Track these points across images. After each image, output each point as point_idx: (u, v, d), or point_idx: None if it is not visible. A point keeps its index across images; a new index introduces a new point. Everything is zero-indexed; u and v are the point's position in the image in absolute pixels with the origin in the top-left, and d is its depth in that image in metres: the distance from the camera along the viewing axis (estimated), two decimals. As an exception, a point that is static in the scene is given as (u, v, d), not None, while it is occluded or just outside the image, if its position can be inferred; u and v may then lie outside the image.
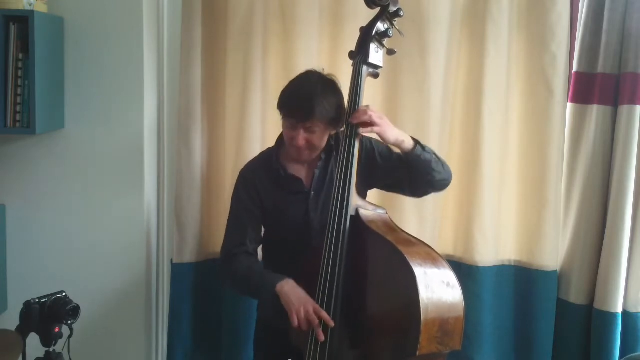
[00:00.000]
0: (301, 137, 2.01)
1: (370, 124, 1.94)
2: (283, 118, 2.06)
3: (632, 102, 2.38)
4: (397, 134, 1.99)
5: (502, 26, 2.45)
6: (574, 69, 2.51)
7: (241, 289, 2.24)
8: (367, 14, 2.42)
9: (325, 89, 2.02)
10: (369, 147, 2.13)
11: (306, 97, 1.99)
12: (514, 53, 2.51)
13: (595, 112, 2.46)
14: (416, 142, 2.02)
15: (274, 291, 1.95)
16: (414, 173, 2.04)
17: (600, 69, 2.43)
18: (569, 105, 2.53)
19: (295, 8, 2.49)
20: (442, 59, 2.49)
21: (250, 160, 2.26)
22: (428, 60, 2.48)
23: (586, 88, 2.48)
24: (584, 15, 2.47)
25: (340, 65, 2.47)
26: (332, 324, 1.87)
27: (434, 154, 2.06)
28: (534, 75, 2.50)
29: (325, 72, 2.09)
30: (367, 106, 1.99)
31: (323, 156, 2.12)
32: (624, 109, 2.40)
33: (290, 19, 2.50)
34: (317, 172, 2.11)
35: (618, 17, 2.39)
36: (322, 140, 2.06)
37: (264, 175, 2.15)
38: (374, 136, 2.03)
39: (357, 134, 1.97)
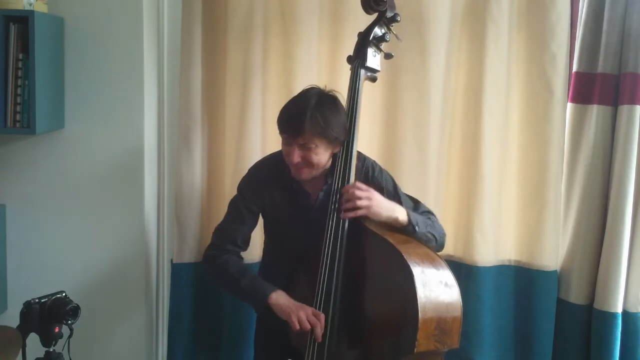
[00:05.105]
0: (296, 154, 1.95)
1: (356, 208, 1.90)
2: (279, 133, 2.02)
3: (632, 102, 2.38)
4: (388, 212, 1.94)
5: (502, 26, 2.45)
6: (574, 69, 2.51)
7: (225, 285, 2.21)
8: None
9: (320, 104, 1.95)
10: (371, 173, 2.09)
11: (297, 111, 1.95)
12: (514, 53, 2.51)
13: (595, 112, 2.45)
14: (409, 219, 1.95)
15: (265, 302, 1.94)
16: None
17: (600, 69, 2.43)
18: (569, 105, 2.53)
19: (295, 8, 2.49)
20: (442, 59, 2.49)
21: (262, 159, 2.25)
22: (428, 60, 2.47)
23: (586, 88, 2.48)
24: (584, 15, 2.47)
25: (340, 65, 2.46)
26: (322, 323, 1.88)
27: (429, 227, 2.00)
28: (534, 75, 2.49)
29: (328, 88, 2.04)
30: (354, 184, 1.94)
31: (329, 181, 2.05)
32: (624, 109, 2.40)
33: (290, 19, 2.50)
34: (321, 194, 2.07)
35: (618, 17, 2.39)
36: (320, 158, 1.97)
37: (271, 179, 2.12)
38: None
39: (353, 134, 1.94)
